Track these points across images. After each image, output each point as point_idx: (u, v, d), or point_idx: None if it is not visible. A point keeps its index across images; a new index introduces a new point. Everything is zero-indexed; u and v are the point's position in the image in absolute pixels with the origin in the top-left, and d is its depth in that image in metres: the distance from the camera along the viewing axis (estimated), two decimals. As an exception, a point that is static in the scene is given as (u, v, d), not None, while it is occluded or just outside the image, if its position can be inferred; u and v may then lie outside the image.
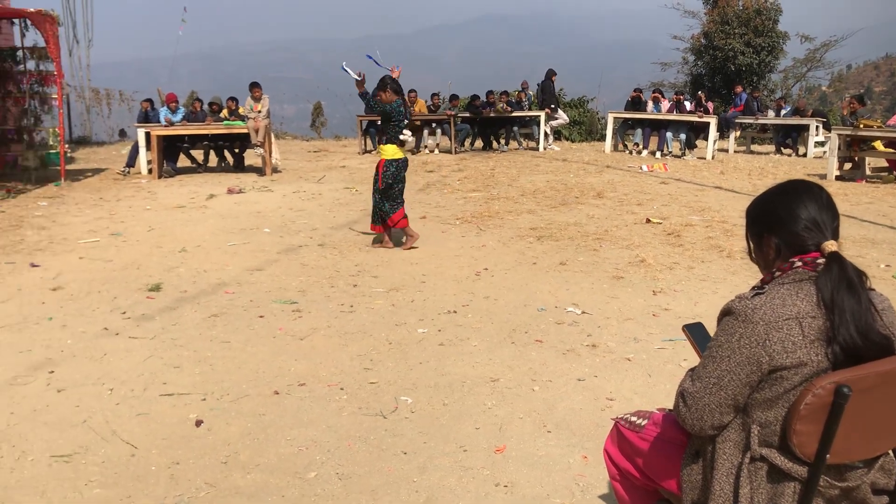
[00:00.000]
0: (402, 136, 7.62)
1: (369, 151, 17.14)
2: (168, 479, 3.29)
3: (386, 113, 7.55)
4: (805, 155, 16.83)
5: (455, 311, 5.63)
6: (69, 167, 13.58)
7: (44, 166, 12.97)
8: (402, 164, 7.68)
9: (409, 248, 7.66)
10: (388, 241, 7.77)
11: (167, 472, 3.34)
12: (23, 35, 12.75)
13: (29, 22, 12.32)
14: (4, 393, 4.16)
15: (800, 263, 1.95)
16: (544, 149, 17.55)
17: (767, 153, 17.78)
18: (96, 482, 3.26)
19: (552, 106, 17.98)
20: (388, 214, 7.66)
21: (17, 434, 3.68)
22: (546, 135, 17.84)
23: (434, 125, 17.28)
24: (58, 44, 12.55)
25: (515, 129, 17.70)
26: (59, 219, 9.28)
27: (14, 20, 12.99)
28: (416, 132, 17.67)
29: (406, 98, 7.88)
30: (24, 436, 3.66)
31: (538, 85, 18.36)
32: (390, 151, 7.62)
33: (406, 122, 7.69)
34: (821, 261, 1.93)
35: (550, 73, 18.17)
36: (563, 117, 18.82)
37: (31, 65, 12.89)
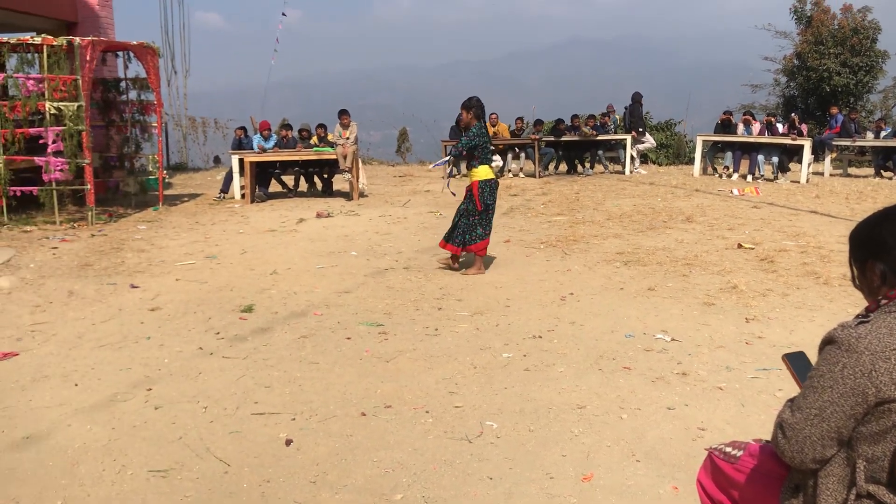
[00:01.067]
0: (493, 160, 7.63)
1: (453, 175, 17.22)
2: (259, 496, 3.36)
3: (472, 143, 7.51)
4: (907, 178, 16.10)
5: (540, 336, 5.59)
6: (167, 192, 14.16)
7: (143, 192, 13.55)
8: (494, 185, 7.67)
9: (475, 274, 7.61)
10: (482, 267, 7.72)
11: (258, 490, 3.41)
12: (126, 66, 13.38)
13: (132, 54, 12.95)
14: (106, 409, 4.34)
15: (907, 291, 1.87)
16: (630, 172, 17.32)
17: (866, 176, 17.09)
18: (191, 497, 3.36)
19: (639, 129, 17.76)
20: (477, 239, 7.60)
21: (118, 449, 3.83)
22: (632, 158, 17.62)
23: (518, 149, 17.30)
24: (158, 74, 13.15)
25: (600, 152, 17.54)
26: (157, 242, 9.67)
27: (118, 53, 13.68)
28: (500, 156, 17.74)
29: (488, 121, 7.88)
30: (124, 451, 3.81)
31: (625, 108, 18.18)
32: (483, 172, 7.59)
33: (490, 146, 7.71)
34: (930, 289, 1.85)
35: (637, 97, 17.97)
36: (650, 141, 18.55)
37: (132, 95, 13.52)
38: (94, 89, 12.24)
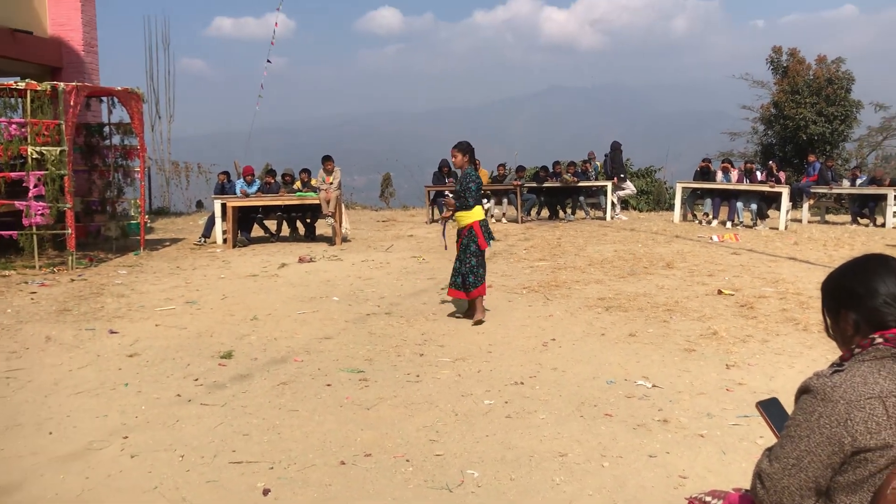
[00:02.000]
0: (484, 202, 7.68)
1: (436, 220, 17.33)
2: (235, 548, 3.30)
3: (467, 186, 7.54)
4: (883, 225, 16.34)
5: (522, 383, 5.58)
6: (148, 237, 14.11)
7: (125, 236, 13.48)
8: (487, 223, 7.71)
9: (478, 324, 7.54)
10: (483, 311, 7.65)
11: (234, 542, 3.35)
12: (110, 112, 13.44)
13: (116, 99, 13.01)
14: (81, 458, 4.27)
15: (881, 340, 1.89)
16: (611, 218, 17.47)
17: (843, 223, 17.32)
18: (165, 549, 3.29)
19: (620, 176, 17.97)
20: (478, 283, 7.54)
21: (92, 499, 3.76)
22: (613, 204, 17.79)
23: (500, 195, 17.44)
24: (142, 119, 13.20)
25: (582, 198, 17.72)
26: (137, 287, 9.60)
27: (102, 98, 13.73)
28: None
29: (475, 165, 7.89)
30: (98, 501, 3.74)
31: (605, 155, 18.41)
32: (478, 212, 7.59)
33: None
34: (903, 338, 1.87)
35: (616, 145, 18.24)
36: (630, 187, 18.76)
37: (116, 139, 13.54)
38: (77, 134, 12.25)
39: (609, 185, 17.60)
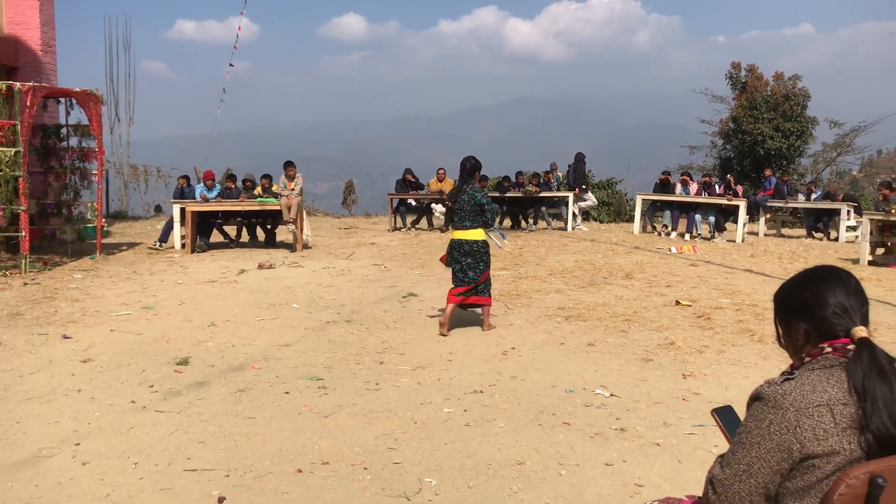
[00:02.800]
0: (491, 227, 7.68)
1: (399, 229, 17.33)
2: (188, 557, 3.25)
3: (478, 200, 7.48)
4: (837, 239, 16.71)
5: (481, 391, 5.59)
6: (105, 241, 13.88)
7: (80, 240, 13.24)
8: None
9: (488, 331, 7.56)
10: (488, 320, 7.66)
11: (187, 550, 3.30)
12: (67, 113, 13.21)
13: (74, 101, 12.80)
14: (30, 465, 4.17)
15: (829, 349, 1.93)
16: (573, 229, 17.62)
17: (798, 237, 17.68)
18: (116, 558, 3.23)
19: (582, 187, 18.13)
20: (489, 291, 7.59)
21: (41, 507, 3.67)
22: (574, 215, 17.95)
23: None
24: (100, 122, 13.00)
25: (543, 209, 17.84)
26: (92, 291, 9.43)
27: (60, 99, 13.50)
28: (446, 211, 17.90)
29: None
30: (47, 509, 3.65)
31: (569, 166, 18.57)
32: (482, 233, 7.56)
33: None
34: (851, 347, 1.91)
35: (580, 156, 18.40)
36: (591, 199, 18.94)
37: (73, 141, 13.32)
38: (33, 135, 12.02)
39: (570, 196, 17.77)
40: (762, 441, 1.87)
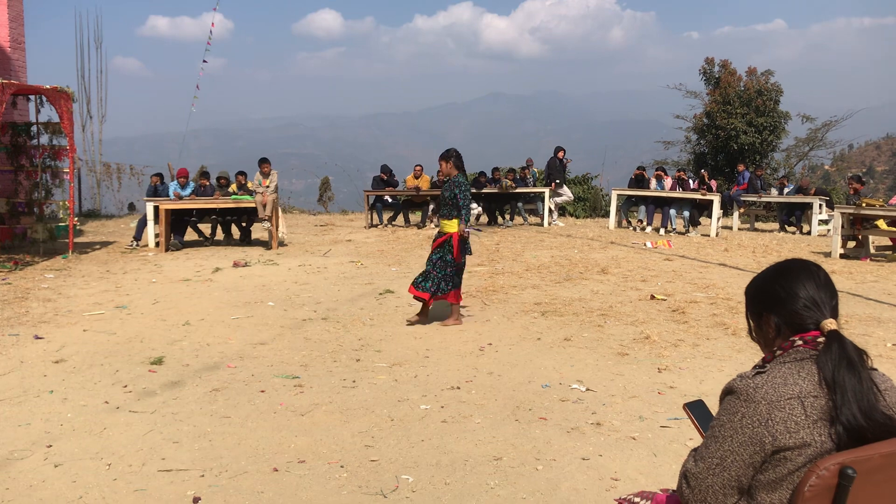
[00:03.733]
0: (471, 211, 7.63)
1: (375, 226, 17.29)
2: (163, 558, 3.22)
3: (454, 193, 7.47)
4: (809, 233, 16.90)
5: (458, 388, 5.59)
6: (77, 240, 13.72)
7: (52, 239, 13.08)
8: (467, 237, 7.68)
9: (450, 325, 7.56)
10: (459, 317, 7.67)
11: (162, 552, 3.27)
12: (38, 111, 13.03)
13: (44, 98, 12.62)
14: (1, 468, 4.11)
15: (800, 342, 1.95)
16: (549, 224, 17.67)
17: (771, 231, 17.86)
18: (89, 561, 3.19)
19: (557, 181, 18.17)
20: (451, 289, 7.53)
21: (12, 510, 3.62)
22: (550, 211, 18.00)
23: (439, 200, 17.48)
24: (71, 119, 12.83)
25: (520, 204, 17.88)
26: (64, 291, 9.31)
27: (30, 96, 13.31)
28: (423, 207, 17.89)
29: (464, 173, 7.78)
30: (19, 512, 3.60)
31: (548, 161, 18.56)
32: (457, 224, 7.51)
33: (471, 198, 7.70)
34: (821, 339, 1.93)
35: (558, 150, 18.41)
36: (567, 194, 18.99)
37: (44, 139, 13.14)
38: (2, 133, 11.85)
39: (546, 191, 17.83)
40: (735, 434, 1.88)
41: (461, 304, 7.80)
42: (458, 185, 7.47)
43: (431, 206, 17.34)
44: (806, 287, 2.00)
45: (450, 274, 7.55)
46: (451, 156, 7.59)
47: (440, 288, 7.52)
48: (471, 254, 7.80)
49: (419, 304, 7.77)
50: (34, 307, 8.34)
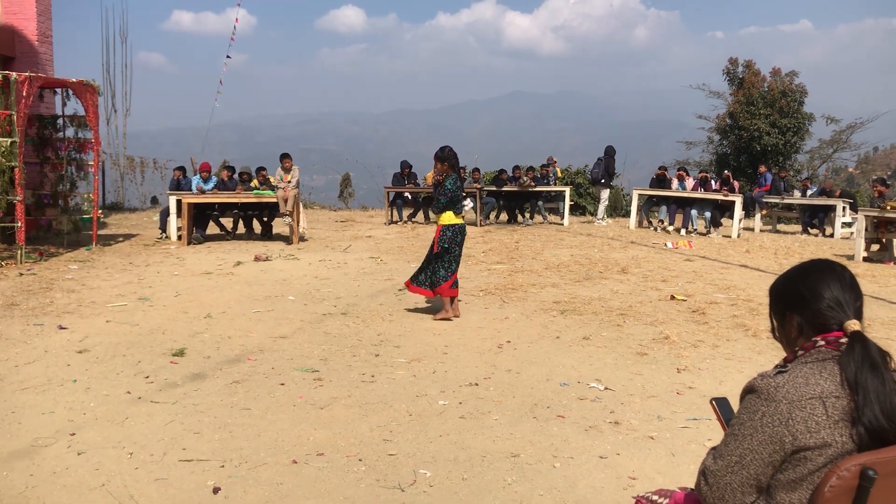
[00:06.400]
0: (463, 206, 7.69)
1: (395, 222, 17.34)
2: (183, 546, 3.26)
3: (453, 194, 7.59)
4: (832, 235, 16.74)
5: (477, 384, 5.60)
6: (101, 232, 13.86)
7: (77, 231, 13.23)
8: (458, 230, 7.67)
9: (440, 320, 7.62)
10: (448, 310, 7.70)
11: (182, 540, 3.31)
12: (64, 104, 13.17)
13: (70, 91, 12.76)
14: (25, 455, 4.18)
15: (822, 342, 1.95)
16: (603, 222, 17.89)
17: (794, 233, 17.71)
18: (111, 547, 3.24)
19: (601, 181, 18.12)
20: (441, 281, 7.60)
21: (36, 497, 3.68)
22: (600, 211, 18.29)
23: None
24: (97, 112, 12.97)
25: (540, 203, 17.85)
26: (88, 282, 9.42)
27: (56, 89, 13.46)
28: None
29: (461, 172, 7.93)
30: (42, 499, 3.66)
31: (599, 159, 18.44)
32: (447, 217, 7.63)
33: (463, 194, 7.79)
34: (843, 340, 1.92)
35: (610, 150, 18.37)
36: (605, 195, 18.82)
37: (69, 132, 13.29)
38: (29, 125, 11.99)
39: (567, 190, 17.86)
40: (755, 433, 1.88)
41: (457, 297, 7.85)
42: (454, 184, 7.60)
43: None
44: (830, 287, 1.99)
45: (436, 267, 7.65)
46: (446, 157, 7.65)
47: (433, 281, 7.67)
48: (459, 245, 7.74)
49: (441, 300, 7.78)
50: (58, 298, 8.45)
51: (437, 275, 7.64)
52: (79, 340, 6.66)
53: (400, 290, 9.17)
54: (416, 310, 8.12)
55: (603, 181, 18.14)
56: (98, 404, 5.04)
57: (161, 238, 13.67)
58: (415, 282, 7.83)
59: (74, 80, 12.44)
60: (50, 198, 13.15)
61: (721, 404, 2.33)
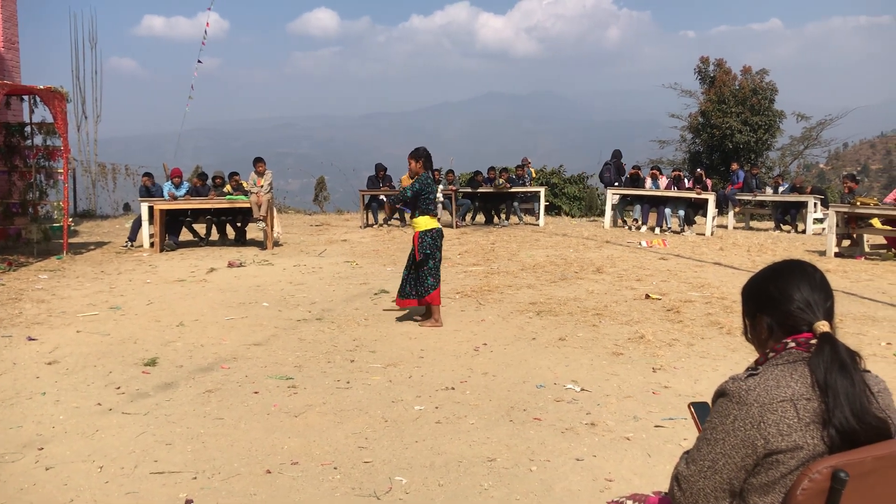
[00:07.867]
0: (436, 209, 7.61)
1: (371, 225, 17.28)
2: (154, 561, 3.20)
3: (415, 190, 7.48)
4: (804, 231, 16.92)
5: (453, 388, 5.57)
6: (72, 240, 13.67)
7: (47, 239, 13.03)
8: (436, 234, 7.57)
9: (430, 327, 7.51)
10: (439, 318, 7.60)
11: (153, 555, 3.25)
12: (31, 111, 12.99)
13: (38, 98, 12.58)
14: (-8, 470, 4.09)
15: (793, 344, 1.94)
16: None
17: (766, 230, 17.88)
18: (80, 565, 3.17)
19: (614, 184, 18.19)
20: (430, 290, 7.50)
21: (2, 513, 3.60)
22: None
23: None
24: (65, 119, 12.78)
25: (516, 204, 17.89)
26: (59, 292, 9.28)
27: (24, 97, 13.26)
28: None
29: (435, 175, 7.90)
30: (9, 515, 3.58)
31: (606, 163, 18.51)
32: (424, 223, 7.52)
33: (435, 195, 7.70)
34: (814, 341, 1.92)
35: (617, 153, 18.48)
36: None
37: (38, 140, 13.09)
38: (-5, 133, 11.80)
39: (542, 191, 17.87)
40: (727, 437, 1.87)
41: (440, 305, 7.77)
42: (422, 181, 7.51)
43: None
44: (800, 289, 1.98)
45: (424, 274, 7.54)
46: (421, 155, 7.60)
47: (420, 291, 7.56)
48: (439, 249, 7.68)
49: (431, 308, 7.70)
50: (28, 308, 8.31)
51: (425, 283, 7.53)
52: (48, 352, 6.55)
53: (376, 294, 9.13)
54: (392, 314, 8.08)
55: (616, 184, 18.21)
56: (67, 417, 4.95)
57: (126, 246, 13.45)
58: (403, 295, 7.69)
59: (42, 86, 12.26)
60: (19, 207, 12.96)
61: (699, 409, 2.32)
